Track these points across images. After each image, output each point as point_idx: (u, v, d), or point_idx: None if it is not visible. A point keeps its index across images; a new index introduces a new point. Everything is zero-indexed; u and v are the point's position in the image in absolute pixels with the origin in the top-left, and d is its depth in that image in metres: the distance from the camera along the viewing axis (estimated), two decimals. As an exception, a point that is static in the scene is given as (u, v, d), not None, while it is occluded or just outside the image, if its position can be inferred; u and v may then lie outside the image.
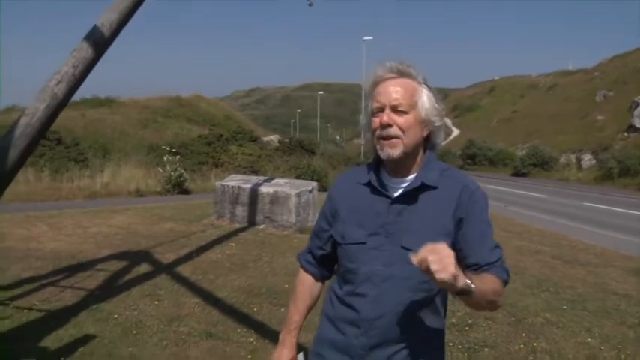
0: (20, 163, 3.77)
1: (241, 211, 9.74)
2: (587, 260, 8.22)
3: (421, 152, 1.62)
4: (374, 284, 1.57)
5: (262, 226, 9.43)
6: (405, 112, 1.54)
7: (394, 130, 1.54)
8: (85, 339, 4.07)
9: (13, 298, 4.99)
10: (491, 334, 4.59)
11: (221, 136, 22.90)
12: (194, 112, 44.90)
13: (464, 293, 1.34)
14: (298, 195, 9.26)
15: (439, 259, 1.25)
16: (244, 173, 16.74)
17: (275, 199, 9.33)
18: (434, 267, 1.24)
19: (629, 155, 26.98)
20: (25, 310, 4.66)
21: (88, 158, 17.84)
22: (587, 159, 33.22)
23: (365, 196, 1.64)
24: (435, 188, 1.58)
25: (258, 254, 7.33)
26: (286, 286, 5.81)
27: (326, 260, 1.80)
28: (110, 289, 5.51)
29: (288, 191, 9.29)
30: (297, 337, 1.78)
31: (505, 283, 1.57)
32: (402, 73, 1.58)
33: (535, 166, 33.86)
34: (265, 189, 9.50)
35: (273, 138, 40.00)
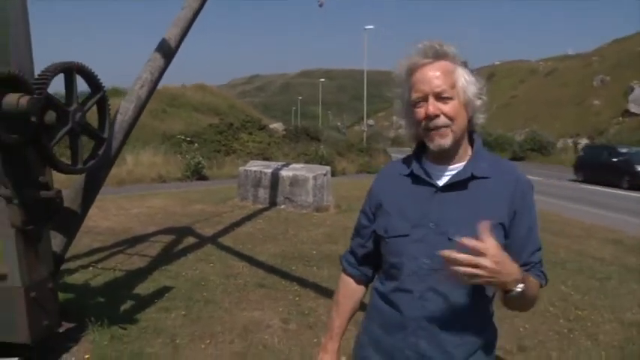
0: (119, 151, 4.87)
1: (263, 193, 10.87)
2: (572, 233, 9.30)
3: (466, 136, 1.54)
4: (420, 279, 1.47)
5: (283, 206, 10.56)
6: (449, 99, 1.46)
7: (442, 120, 1.46)
8: (166, 289, 5.20)
9: (95, 262, 6.13)
10: (484, 285, 5.71)
11: (231, 124, 23.98)
12: (199, 101, 45.70)
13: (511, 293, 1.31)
14: (315, 178, 10.38)
15: (494, 263, 1.22)
16: (257, 160, 17.81)
17: (295, 181, 10.46)
18: (486, 271, 1.22)
19: (623, 139, 28.06)
20: (110, 270, 5.80)
21: (109, 147, 18.87)
22: (584, 143, 34.29)
23: (408, 186, 1.56)
24: (485, 178, 1.49)
25: (284, 228, 8.46)
26: (314, 252, 6.97)
27: (369, 259, 1.72)
28: (169, 255, 6.65)
29: (306, 174, 10.41)
30: (339, 342, 1.73)
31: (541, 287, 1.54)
32: (438, 56, 1.48)
33: (533, 150, 34.75)
34: (285, 173, 10.63)
35: (277, 126, 40.96)
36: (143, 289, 5.21)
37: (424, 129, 1.49)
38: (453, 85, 1.46)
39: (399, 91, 1.56)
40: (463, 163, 1.52)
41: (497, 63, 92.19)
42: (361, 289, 1.77)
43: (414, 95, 1.48)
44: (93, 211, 9.70)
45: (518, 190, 1.49)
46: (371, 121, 67.01)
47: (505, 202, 1.47)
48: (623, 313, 4.96)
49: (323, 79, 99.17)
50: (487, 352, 1.54)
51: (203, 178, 17.06)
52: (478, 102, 1.51)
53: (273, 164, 12.00)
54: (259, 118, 29.73)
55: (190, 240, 7.52)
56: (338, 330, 1.73)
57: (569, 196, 15.24)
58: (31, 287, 3.41)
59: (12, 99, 2.84)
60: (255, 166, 11.65)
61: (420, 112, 1.47)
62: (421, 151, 1.60)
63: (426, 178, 1.53)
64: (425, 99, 1.46)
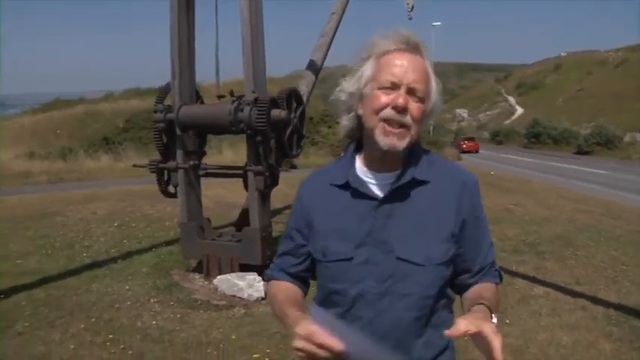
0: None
1: (358, 179, 12.89)
2: (630, 217, 10.71)
3: None
4: (369, 304, 1.31)
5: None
6: (420, 100, 1.30)
7: (407, 118, 1.28)
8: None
9: (254, 225, 8.26)
10: (550, 248, 7.46)
11: (311, 118, 25.94)
12: (271, 94, 48.09)
13: None
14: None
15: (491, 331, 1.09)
16: (338, 151, 19.79)
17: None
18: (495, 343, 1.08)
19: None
20: (269, 230, 7.91)
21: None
22: (652, 137, 34.31)
23: (344, 200, 1.36)
24: (426, 183, 1.35)
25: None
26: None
27: (302, 277, 1.49)
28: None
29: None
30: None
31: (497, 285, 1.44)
32: (416, 49, 1.33)
33: (599, 144, 34.91)
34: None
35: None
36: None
37: (381, 119, 1.30)
38: (428, 88, 1.34)
39: (357, 69, 1.37)
40: (401, 168, 1.36)
41: (564, 54, 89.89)
42: (303, 292, 1.51)
43: (385, 77, 1.30)
44: (219, 191, 12.10)
45: (465, 196, 1.37)
46: (434, 114, 67.27)
47: (452, 211, 1.35)
48: (661, 269, 6.61)
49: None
50: (451, 350, 1.42)
51: (293, 166, 19.25)
52: (437, 110, 1.39)
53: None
54: (336, 112, 31.61)
55: (313, 213, 9.57)
56: (302, 312, 1.32)
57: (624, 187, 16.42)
58: (262, 229, 5.52)
59: (276, 113, 4.92)
60: (348, 155, 13.68)
61: (384, 98, 1.29)
62: (355, 154, 1.43)
63: (365, 191, 1.35)
64: (396, 88, 1.29)
